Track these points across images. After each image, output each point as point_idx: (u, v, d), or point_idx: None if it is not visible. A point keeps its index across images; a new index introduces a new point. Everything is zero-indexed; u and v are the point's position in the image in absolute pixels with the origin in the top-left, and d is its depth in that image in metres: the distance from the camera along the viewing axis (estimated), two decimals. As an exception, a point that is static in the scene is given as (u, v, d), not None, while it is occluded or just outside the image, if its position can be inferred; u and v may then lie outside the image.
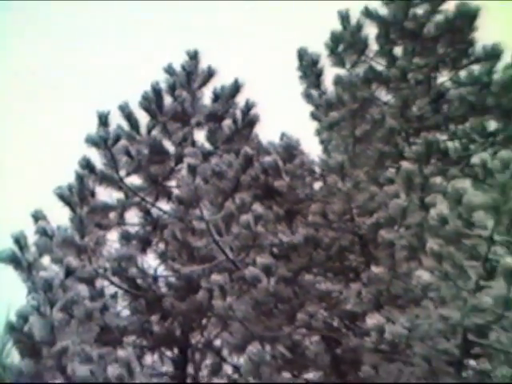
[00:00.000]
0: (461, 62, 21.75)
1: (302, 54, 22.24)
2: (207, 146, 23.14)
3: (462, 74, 21.77)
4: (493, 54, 21.43)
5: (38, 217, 21.41)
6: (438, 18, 21.81)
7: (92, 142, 22.41)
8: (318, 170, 19.78)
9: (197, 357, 22.35)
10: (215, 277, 18.16)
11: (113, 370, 17.80)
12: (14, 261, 20.67)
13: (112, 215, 23.15)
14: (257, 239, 18.23)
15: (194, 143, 23.22)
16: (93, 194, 22.62)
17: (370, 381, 17.21)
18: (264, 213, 18.26)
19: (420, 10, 22.06)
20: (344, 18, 21.98)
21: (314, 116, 21.67)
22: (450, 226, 15.54)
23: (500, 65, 21.49)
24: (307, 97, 22.07)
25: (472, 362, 16.88)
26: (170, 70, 23.37)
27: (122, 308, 21.93)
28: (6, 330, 21.29)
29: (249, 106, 23.32)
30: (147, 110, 23.01)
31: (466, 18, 21.49)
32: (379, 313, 16.32)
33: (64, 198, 21.79)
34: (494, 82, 21.38)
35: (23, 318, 20.50)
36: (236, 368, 20.34)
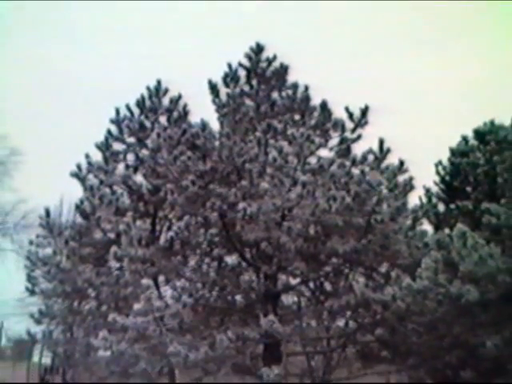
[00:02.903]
0: (281, 89, 21.74)
1: (210, 83, 21.77)
2: (165, 124, 23.31)
3: (283, 93, 21.72)
4: (294, 86, 21.51)
5: (88, 156, 21.87)
6: (272, 67, 21.52)
7: (111, 121, 22.92)
8: (217, 136, 19.97)
9: (162, 222, 22.46)
10: (168, 185, 18.90)
11: (122, 228, 18.39)
12: (77, 176, 21.25)
13: (120, 156, 23.42)
14: (187, 167, 18.62)
15: (158, 122, 23.44)
16: (111, 146, 23.07)
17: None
18: (191, 155, 18.70)
19: (263, 64, 21.50)
20: (230, 66, 21.44)
21: (217, 111, 21.61)
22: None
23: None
24: (213, 102, 21.80)
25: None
26: (149, 89, 23.50)
27: (126, 198, 22.02)
28: (75, 207, 22.05)
29: (185, 106, 23.60)
30: (139, 107, 23.14)
31: (283, 68, 21.54)
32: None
33: (99, 147, 22.26)
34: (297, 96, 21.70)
35: (81, 201, 21.38)
36: (179, 227, 19.45)
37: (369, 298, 17.32)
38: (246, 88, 21.59)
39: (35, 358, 68.72)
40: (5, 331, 59.78)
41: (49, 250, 24.31)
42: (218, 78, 21.81)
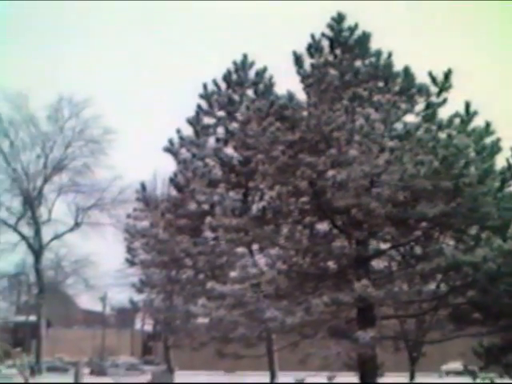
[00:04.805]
0: (365, 56, 21.24)
1: (295, 54, 20.63)
2: (252, 96, 23.44)
3: (367, 61, 21.12)
4: (377, 53, 20.80)
5: (179, 131, 22.15)
6: (354, 36, 21.15)
7: (201, 96, 23.20)
8: (304, 106, 19.82)
9: (254, 193, 22.43)
10: (259, 156, 18.96)
11: (215, 199, 18.63)
12: (170, 151, 21.51)
13: (211, 130, 23.72)
14: (277, 138, 18.61)
15: (246, 95, 23.65)
16: (202, 120, 23.41)
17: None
18: (280, 126, 18.68)
19: (346, 33, 20.94)
20: (313, 37, 20.85)
21: (302, 81, 20.93)
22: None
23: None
24: (298, 73, 20.93)
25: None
26: (235, 63, 23.69)
27: (218, 170, 22.21)
28: (169, 180, 22.34)
29: (270, 78, 23.70)
30: (226, 81, 23.34)
31: (366, 36, 21.03)
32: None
33: (190, 122, 22.60)
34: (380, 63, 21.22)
35: (175, 175, 21.85)
36: (271, 197, 19.37)
37: (459, 261, 17.05)
38: (330, 57, 21.24)
39: (137, 326, 70.87)
40: (108, 301, 61.66)
41: (146, 223, 24.90)
42: (302, 50, 21.55)
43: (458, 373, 45.49)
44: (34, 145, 58.37)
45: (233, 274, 18.06)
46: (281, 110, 19.17)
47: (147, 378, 44.26)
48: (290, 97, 19.57)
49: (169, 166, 24.16)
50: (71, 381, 24.88)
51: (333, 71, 20.96)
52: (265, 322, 17.11)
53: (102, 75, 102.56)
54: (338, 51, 21.23)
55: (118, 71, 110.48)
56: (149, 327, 64.47)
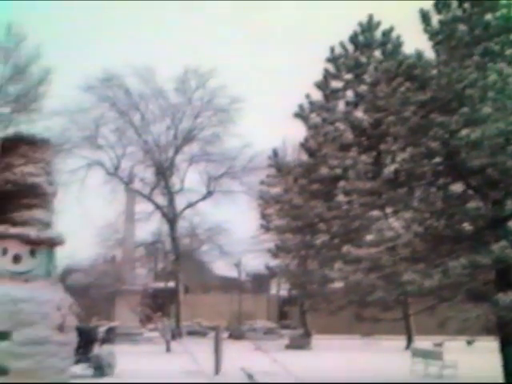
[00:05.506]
0: (495, 9, 20.18)
1: (422, 11, 19.86)
2: (380, 57, 23.26)
3: (497, 14, 20.40)
4: (508, 5, 19.56)
5: (308, 96, 22.19)
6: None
7: (328, 60, 23.20)
8: (433, 64, 19.48)
9: (385, 155, 22.03)
10: (389, 118, 18.85)
11: (348, 162, 18.59)
12: (300, 116, 21.56)
13: (339, 93, 23.68)
14: (407, 99, 18.46)
15: (373, 57, 23.47)
16: (330, 84, 23.40)
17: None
18: (410, 86, 18.52)
19: None
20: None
21: (430, 39, 20.29)
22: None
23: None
24: (425, 31, 20.07)
25: None
26: (361, 25, 23.51)
27: (348, 134, 22.14)
28: (300, 145, 22.37)
29: (398, 37, 23.40)
30: (353, 43, 23.21)
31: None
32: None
33: (319, 86, 22.72)
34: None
35: (306, 140, 21.73)
36: (403, 159, 19.16)
37: None
38: (458, 12, 20.61)
39: (273, 291, 72.17)
40: (243, 267, 62.94)
41: (279, 189, 25.32)
42: (428, 6, 21.02)
43: None
44: (164, 116, 59.60)
45: (368, 237, 18.09)
46: (410, 70, 18.90)
47: (285, 341, 45.16)
48: (419, 56, 19.25)
49: (297, 131, 24.40)
50: (212, 343, 25.87)
51: (462, 27, 20.35)
52: (402, 285, 17.12)
53: (227, 44, 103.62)
54: (466, 5, 20.52)
55: (244, 39, 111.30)
56: (284, 292, 65.35)
